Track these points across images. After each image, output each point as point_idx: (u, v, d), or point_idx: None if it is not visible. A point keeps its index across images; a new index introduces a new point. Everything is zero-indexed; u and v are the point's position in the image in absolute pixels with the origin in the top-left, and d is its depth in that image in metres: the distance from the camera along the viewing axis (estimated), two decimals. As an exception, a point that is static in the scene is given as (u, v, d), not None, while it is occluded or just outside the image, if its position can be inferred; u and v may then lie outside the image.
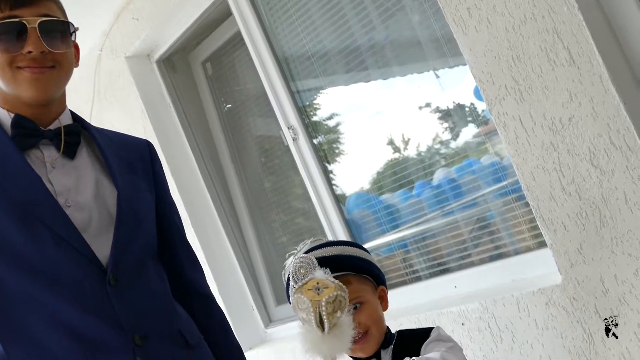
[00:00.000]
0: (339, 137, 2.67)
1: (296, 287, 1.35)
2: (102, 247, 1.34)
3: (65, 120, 1.44)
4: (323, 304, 1.30)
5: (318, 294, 1.31)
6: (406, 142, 2.47)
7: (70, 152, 1.41)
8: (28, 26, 1.30)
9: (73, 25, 1.41)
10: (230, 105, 3.19)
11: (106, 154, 1.45)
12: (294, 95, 2.62)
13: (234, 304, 2.97)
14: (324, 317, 1.29)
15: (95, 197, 1.39)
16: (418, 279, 2.39)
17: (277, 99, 2.59)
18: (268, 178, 3.06)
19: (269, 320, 3.02)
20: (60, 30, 1.37)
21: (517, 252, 2.09)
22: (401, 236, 2.48)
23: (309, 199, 2.85)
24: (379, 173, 2.56)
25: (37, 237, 1.29)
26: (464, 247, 2.30)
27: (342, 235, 2.53)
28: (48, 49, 1.32)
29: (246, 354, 1.64)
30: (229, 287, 2.97)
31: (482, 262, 2.19)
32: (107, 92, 3.19)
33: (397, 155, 2.50)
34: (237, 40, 2.98)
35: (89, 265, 1.31)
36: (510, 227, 2.15)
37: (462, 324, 2.02)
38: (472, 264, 2.24)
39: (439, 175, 2.47)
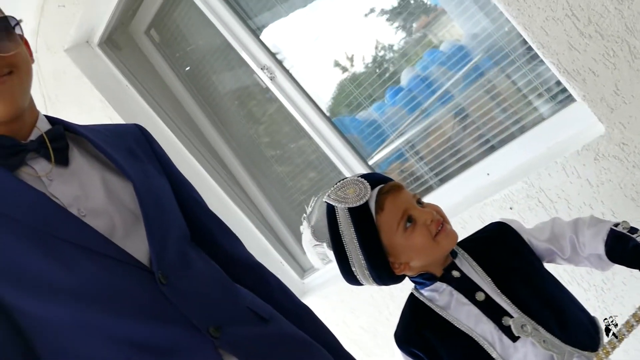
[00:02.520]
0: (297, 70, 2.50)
1: None
2: (136, 248, 1.19)
3: (43, 126, 1.26)
4: None
5: None
6: (361, 57, 2.35)
7: (62, 159, 1.23)
8: None
9: (14, 18, 1.20)
10: (189, 68, 2.97)
11: (103, 147, 1.27)
12: (256, 33, 2.41)
13: (262, 266, 2.83)
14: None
15: (109, 197, 1.22)
16: (444, 179, 2.25)
17: (240, 42, 2.39)
18: (254, 130, 2.88)
19: (302, 271, 2.90)
20: (3, 29, 1.16)
21: (540, 120, 1.95)
22: (405, 141, 2.34)
23: (302, 137, 2.69)
24: (345, 94, 2.41)
25: (65, 258, 1.12)
26: (480, 135, 2.16)
27: (352, 159, 2.37)
28: None
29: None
30: (251, 251, 2.81)
31: (506, 141, 2.05)
32: (57, 94, 2.95)
33: (355, 71, 2.36)
34: (174, -3, 2.75)
35: (132, 270, 1.16)
36: (521, 98, 2.00)
37: (511, 208, 1.90)
38: (494, 148, 2.10)
39: (405, 77, 2.35)
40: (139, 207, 1.23)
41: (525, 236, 1.39)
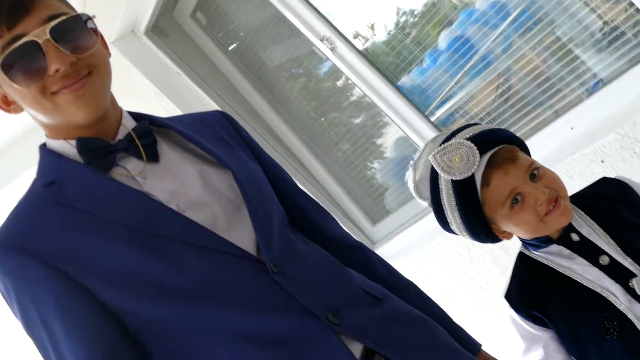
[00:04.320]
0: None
1: None
2: (241, 239, 1.13)
3: (129, 123, 1.19)
4: None
5: None
6: (398, 19, 2.27)
7: (153, 155, 1.17)
8: (40, 41, 1.03)
9: (86, 14, 1.12)
10: (238, 46, 2.92)
11: (194, 137, 1.21)
12: (309, 1, 2.34)
13: (332, 243, 2.80)
14: None
15: (206, 188, 1.17)
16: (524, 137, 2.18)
17: (296, 14, 2.32)
18: (310, 104, 2.82)
19: (372, 244, 2.86)
20: (77, 27, 1.08)
21: (626, 67, 1.85)
22: (470, 99, 2.27)
23: (361, 107, 2.63)
24: (389, 59, 2.33)
25: (173, 257, 1.07)
26: (558, 89, 2.07)
27: (422, 124, 2.30)
28: (75, 56, 1.05)
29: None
30: (319, 227, 2.78)
31: (589, 92, 1.96)
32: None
33: (393, 34, 2.30)
34: (217, -24, 2.69)
35: (242, 262, 1.11)
36: (602, 49, 1.90)
37: (602, 162, 1.83)
38: (572, 103, 2.02)
39: (443, 39, 2.29)
40: (238, 195, 1.17)
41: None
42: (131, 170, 1.14)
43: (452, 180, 1.25)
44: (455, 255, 2.41)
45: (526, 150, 1.35)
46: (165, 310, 1.07)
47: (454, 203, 1.27)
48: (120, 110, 1.22)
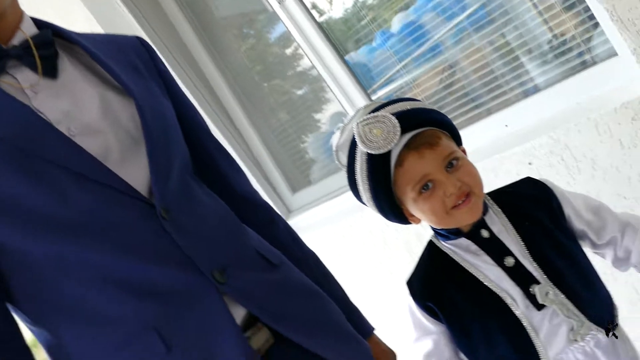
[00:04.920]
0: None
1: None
2: (133, 176, 1.03)
3: (29, 29, 1.07)
4: None
5: None
6: None
7: (50, 69, 1.05)
8: None
9: None
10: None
11: (101, 58, 1.09)
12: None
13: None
14: None
15: (104, 116, 1.05)
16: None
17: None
18: (255, 67, 2.70)
19: (287, 212, 2.77)
20: None
21: (570, 73, 1.82)
22: (412, 82, 2.22)
23: (306, 79, 2.53)
24: (339, 27, 2.25)
25: (53, 183, 0.96)
26: (497, 85, 2.03)
27: (359, 97, 2.22)
28: None
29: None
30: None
31: (529, 93, 1.93)
32: (37, 5, 2.69)
33: (351, 11, 2.21)
34: None
35: (129, 202, 1.01)
36: (548, 51, 1.87)
37: (529, 164, 1.79)
38: (513, 100, 1.98)
39: (397, 22, 2.23)
40: (139, 128, 1.07)
41: (566, 210, 1.26)
42: (21, 82, 1.03)
43: (367, 152, 1.18)
44: (369, 236, 2.36)
45: (457, 138, 1.29)
46: (34, 240, 0.96)
47: (365, 176, 1.22)
48: (22, 13, 1.08)
